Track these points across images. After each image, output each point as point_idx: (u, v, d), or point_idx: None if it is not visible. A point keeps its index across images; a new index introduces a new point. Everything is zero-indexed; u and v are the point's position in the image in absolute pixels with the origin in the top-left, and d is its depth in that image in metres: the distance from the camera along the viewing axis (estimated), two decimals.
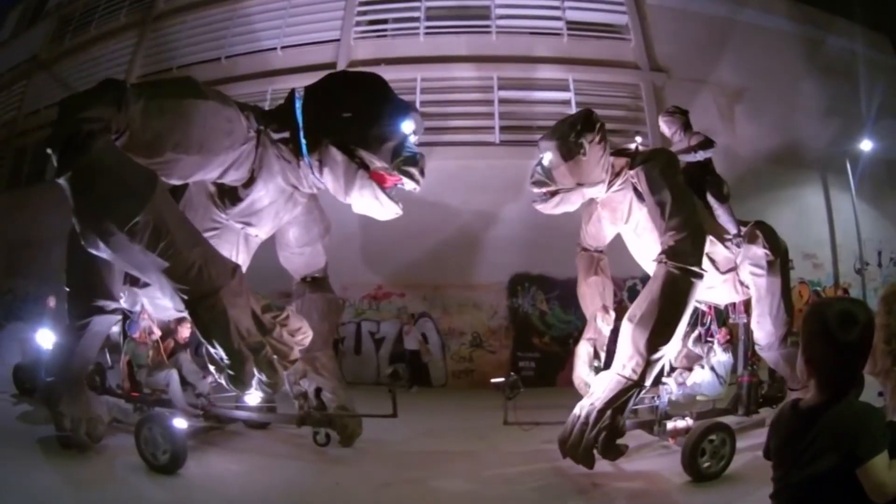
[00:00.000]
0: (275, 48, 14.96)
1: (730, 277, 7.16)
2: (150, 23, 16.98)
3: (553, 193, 6.56)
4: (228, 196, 6.37)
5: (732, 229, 7.13)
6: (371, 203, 5.96)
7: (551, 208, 6.67)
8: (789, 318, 7.16)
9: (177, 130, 5.45)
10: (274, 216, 6.72)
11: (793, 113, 14.74)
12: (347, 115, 5.84)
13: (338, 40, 14.58)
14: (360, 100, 5.97)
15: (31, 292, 15.09)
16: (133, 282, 6.68)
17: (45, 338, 8.27)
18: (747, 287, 7.28)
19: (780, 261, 7.23)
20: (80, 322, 6.91)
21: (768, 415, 6.83)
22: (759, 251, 7.14)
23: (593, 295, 7.43)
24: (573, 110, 13.58)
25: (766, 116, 14.48)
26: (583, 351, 7.21)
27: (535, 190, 6.68)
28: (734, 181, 12.68)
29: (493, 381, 6.74)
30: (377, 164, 5.77)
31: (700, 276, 6.07)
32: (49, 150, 5.03)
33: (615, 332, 6.61)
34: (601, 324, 7.26)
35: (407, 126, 5.91)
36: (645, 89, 14.09)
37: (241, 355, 5.38)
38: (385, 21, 15.05)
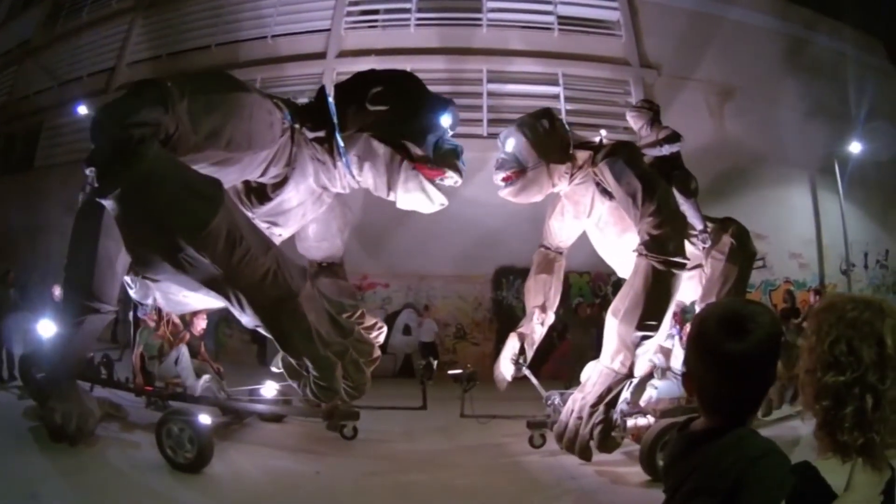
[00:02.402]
0: (265, 37, 14.93)
1: (696, 274, 7.13)
2: (141, 9, 16.91)
3: (517, 175, 6.52)
4: (256, 194, 6.15)
5: (698, 225, 7.10)
6: (417, 195, 5.84)
7: (516, 193, 6.62)
8: None
9: (228, 126, 5.15)
10: (301, 217, 6.57)
11: (783, 112, 14.74)
12: (387, 108, 5.68)
13: (328, 30, 14.57)
14: (399, 94, 5.81)
15: (20, 279, 14.95)
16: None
17: (47, 329, 7.68)
18: None
19: (743, 256, 7.22)
20: (74, 319, 6.63)
21: None
22: (726, 239, 7.15)
23: (537, 291, 7.40)
24: (562, 105, 13.63)
25: (756, 115, 14.47)
26: (510, 345, 7.20)
27: (500, 174, 6.63)
28: (722, 179, 12.87)
29: (450, 372, 6.76)
30: (420, 153, 5.67)
31: (682, 266, 6.02)
32: (91, 168, 4.56)
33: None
34: (535, 322, 7.25)
35: (446, 119, 5.88)
36: (634, 86, 14.09)
37: (328, 362, 5.16)
38: (376, 12, 15.02)
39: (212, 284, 4.89)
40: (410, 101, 5.81)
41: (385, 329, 6.37)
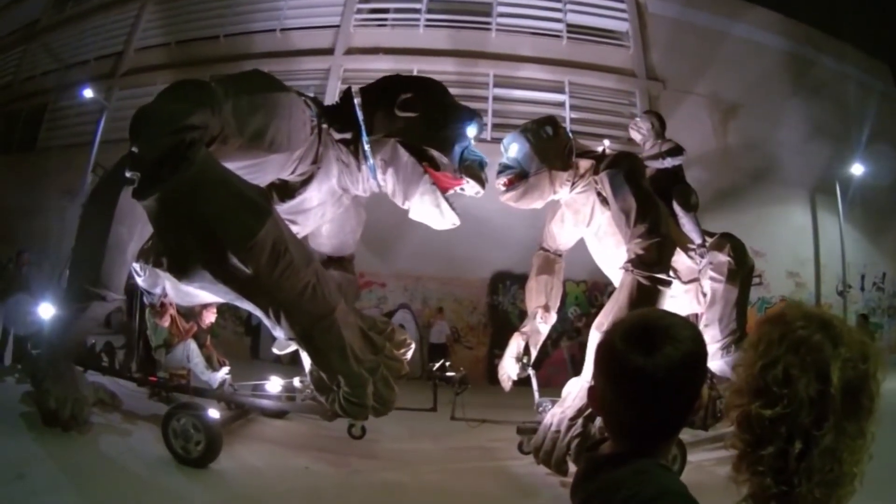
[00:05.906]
0: (274, 30, 14.94)
1: (692, 288, 7.12)
2: None
3: (519, 180, 6.48)
4: (278, 192, 6.05)
5: (697, 239, 7.11)
6: (431, 210, 5.82)
7: (518, 198, 6.56)
8: (738, 330, 7.11)
9: (271, 127, 5.08)
10: (320, 217, 6.54)
11: (786, 131, 14.81)
12: (416, 115, 5.67)
13: (337, 26, 14.58)
14: (429, 101, 5.81)
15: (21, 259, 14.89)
16: (157, 262, 6.17)
17: (48, 311, 7.36)
18: None
19: (742, 274, 7.23)
20: (78, 305, 6.42)
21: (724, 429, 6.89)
22: (723, 258, 7.16)
23: (539, 292, 7.38)
24: (567, 113, 13.66)
25: (760, 133, 14.53)
26: (513, 345, 7.20)
27: (501, 179, 6.57)
28: (723, 194, 12.89)
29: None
30: (445, 162, 5.67)
31: (668, 284, 6.03)
32: (134, 174, 4.39)
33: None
34: (539, 321, 7.25)
35: (472, 130, 5.88)
36: (640, 97, 14.13)
37: (361, 379, 5.08)
38: (386, 10, 15.05)
39: (248, 295, 4.79)
40: (439, 110, 5.81)
41: (413, 346, 6.34)
